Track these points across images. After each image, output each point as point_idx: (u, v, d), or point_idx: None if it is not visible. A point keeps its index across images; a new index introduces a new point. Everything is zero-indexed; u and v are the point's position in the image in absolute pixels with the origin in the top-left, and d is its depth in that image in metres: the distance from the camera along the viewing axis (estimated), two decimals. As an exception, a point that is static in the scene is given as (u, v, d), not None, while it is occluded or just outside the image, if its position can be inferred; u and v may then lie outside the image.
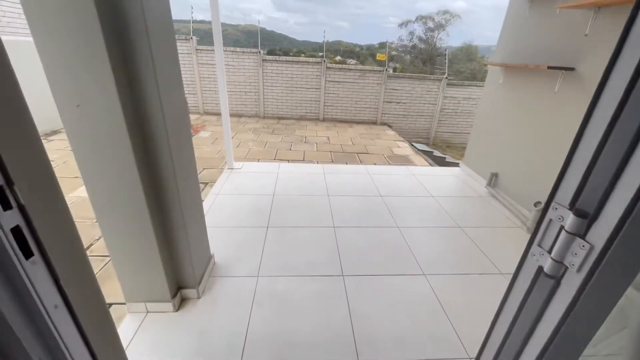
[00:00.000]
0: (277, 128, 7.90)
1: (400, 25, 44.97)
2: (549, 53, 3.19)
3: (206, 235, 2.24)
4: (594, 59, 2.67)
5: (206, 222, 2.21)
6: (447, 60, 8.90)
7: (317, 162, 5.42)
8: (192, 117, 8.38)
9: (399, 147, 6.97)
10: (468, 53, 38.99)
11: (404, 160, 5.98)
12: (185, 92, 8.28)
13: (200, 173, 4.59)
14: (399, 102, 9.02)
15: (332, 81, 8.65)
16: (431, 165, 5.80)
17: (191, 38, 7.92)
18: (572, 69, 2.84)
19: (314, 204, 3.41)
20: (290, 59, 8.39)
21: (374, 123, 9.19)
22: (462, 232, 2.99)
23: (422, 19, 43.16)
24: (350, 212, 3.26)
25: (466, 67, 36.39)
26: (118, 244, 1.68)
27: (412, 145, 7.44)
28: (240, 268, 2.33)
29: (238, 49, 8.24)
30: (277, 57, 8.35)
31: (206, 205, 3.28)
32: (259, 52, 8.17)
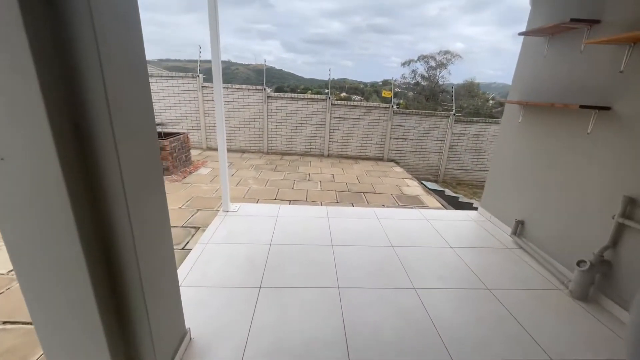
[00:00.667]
0: (280, 164, 7.66)
1: (403, 64, 46.81)
2: (575, 91, 2.90)
3: (180, 308, 1.81)
4: (633, 97, 2.35)
5: (188, 281, 1.80)
6: (453, 97, 8.84)
7: (321, 204, 5.04)
8: (195, 152, 8.24)
9: (408, 185, 6.60)
10: (470, 90, 39.99)
11: (415, 201, 5.56)
12: (190, 128, 8.23)
13: (192, 216, 4.24)
14: (405, 139, 8.82)
15: (338, 117, 8.56)
16: (445, 207, 5.36)
17: (198, 76, 8.02)
18: (607, 108, 2.52)
19: (315, 257, 2.98)
20: (296, 96, 8.40)
21: (381, 159, 8.93)
22: (493, 298, 2.48)
23: (424, 58, 45.01)
24: (358, 268, 2.80)
25: (469, 103, 37.07)
26: (51, 334, 1.27)
27: (422, 183, 7.07)
28: (222, 347, 1.86)
29: (244, 86, 8.30)
30: (282, 94, 8.37)
31: (192, 257, 2.86)
32: (264, 89, 8.21)
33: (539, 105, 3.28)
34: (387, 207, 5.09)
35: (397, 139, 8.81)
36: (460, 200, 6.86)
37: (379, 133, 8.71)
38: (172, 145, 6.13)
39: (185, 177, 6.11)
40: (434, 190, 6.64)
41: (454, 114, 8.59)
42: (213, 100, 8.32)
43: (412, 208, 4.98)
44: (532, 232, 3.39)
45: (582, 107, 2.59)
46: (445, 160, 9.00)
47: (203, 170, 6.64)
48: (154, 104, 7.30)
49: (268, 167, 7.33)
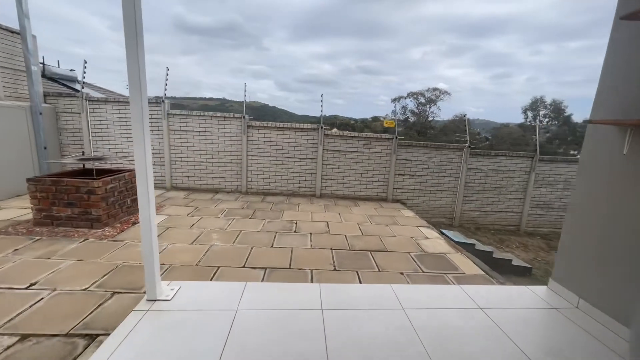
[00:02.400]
0: (260, 209, 6.03)
1: (394, 100, 47.92)
2: None
3: None
4: None
5: None
6: (467, 127, 7.67)
7: (311, 275, 3.36)
8: (156, 193, 6.57)
9: (427, 237, 5.00)
10: (460, 124, 40.24)
11: (444, 265, 3.93)
12: (153, 161, 6.66)
13: (99, 307, 2.54)
14: (413, 175, 7.41)
15: (332, 150, 7.17)
16: (487, 273, 3.74)
17: (162, 101, 6.64)
18: None
19: None
20: (281, 125, 7.04)
21: (384, 200, 7.41)
22: None
23: (413, 94, 46.13)
24: None
25: (459, 137, 37.08)
26: None
27: (442, 233, 5.48)
28: None
29: (219, 114, 6.93)
30: (264, 123, 7.00)
31: None
32: (244, 117, 6.84)
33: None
34: (409, 277, 3.43)
35: (402, 175, 7.39)
36: (495, 256, 5.26)
37: (381, 169, 7.29)
38: (109, 187, 4.50)
39: (123, 230, 4.40)
40: (461, 244, 5.04)
41: (469, 146, 7.31)
42: (181, 130, 6.87)
43: (445, 279, 3.34)
44: None
45: None
46: (461, 200, 7.55)
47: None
48: (102, 133, 5.51)
49: (243, 212, 5.69)
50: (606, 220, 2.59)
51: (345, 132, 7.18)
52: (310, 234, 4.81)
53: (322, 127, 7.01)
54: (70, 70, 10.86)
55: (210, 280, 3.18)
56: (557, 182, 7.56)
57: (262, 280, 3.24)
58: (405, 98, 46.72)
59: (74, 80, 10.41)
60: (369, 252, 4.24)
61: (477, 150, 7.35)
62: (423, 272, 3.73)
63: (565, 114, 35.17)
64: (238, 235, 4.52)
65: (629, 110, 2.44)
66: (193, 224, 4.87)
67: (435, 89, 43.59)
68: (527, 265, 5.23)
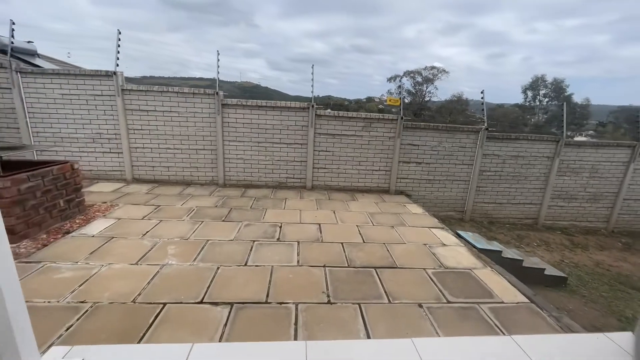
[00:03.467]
0: (238, 206, 4.95)
1: (390, 79, 46.12)
2: None
3: None
4: None
5: None
6: (484, 107, 6.54)
7: (296, 311, 2.34)
8: (110, 187, 5.43)
9: (443, 243, 4.02)
10: (457, 105, 39.02)
11: (473, 289, 2.96)
12: (105, 150, 5.47)
13: None
14: (420, 162, 6.35)
15: (325, 134, 6.03)
16: (536, 304, 2.78)
17: (114, 74, 5.34)
18: None
19: None
20: (263, 104, 5.82)
21: (386, 191, 6.38)
22: None
23: (410, 73, 44.31)
24: None
25: (455, 118, 35.86)
26: None
27: (459, 236, 4.51)
28: None
29: (186, 89, 5.67)
30: (242, 101, 5.77)
31: None
32: (216, 93, 5.59)
33: None
34: (432, 311, 2.44)
35: (408, 162, 6.33)
36: (525, 264, 4.33)
37: (383, 155, 6.21)
38: (25, 186, 3.34)
39: (48, 244, 3.31)
40: (485, 252, 4.07)
41: (486, 129, 6.24)
42: (142, 110, 5.62)
43: (479, 315, 2.35)
44: None
45: None
46: (474, 191, 6.57)
47: (97, 225, 3.84)
48: (42, 114, 4.02)
49: (216, 212, 4.60)
50: None
51: (341, 113, 6.01)
52: (298, 242, 3.78)
53: (313, 106, 5.83)
54: (28, 42, 9.18)
55: (147, 330, 2.14)
56: (582, 169, 6.62)
57: (225, 328, 2.22)
58: (402, 77, 44.93)
59: (33, 54, 8.80)
60: (373, 270, 3.24)
61: (495, 134, 6.29)
62: (448, 302, 2.75)
63: (566, 94, 34.05)
64: (203, 248, 3.46)
65: None
66: (146, 232, 3.78)
67: (432, 67, 41.84)
68: (561, 274, 4.35)
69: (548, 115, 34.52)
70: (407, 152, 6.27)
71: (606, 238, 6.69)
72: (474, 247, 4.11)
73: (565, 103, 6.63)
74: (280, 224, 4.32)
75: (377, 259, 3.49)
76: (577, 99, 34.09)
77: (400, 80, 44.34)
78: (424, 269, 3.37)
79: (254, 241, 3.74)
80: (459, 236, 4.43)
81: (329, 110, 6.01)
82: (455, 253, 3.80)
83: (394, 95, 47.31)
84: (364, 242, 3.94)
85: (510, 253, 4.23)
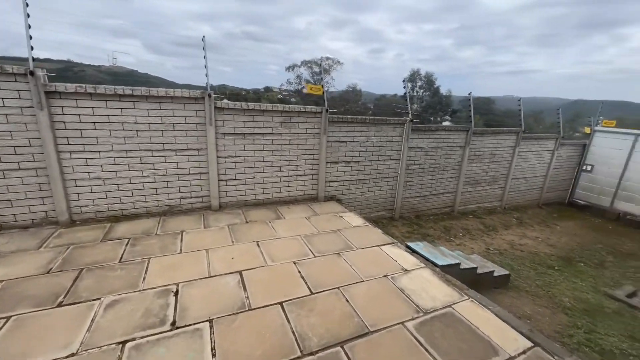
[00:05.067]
0: (93, 264, 2.98)
1: (288, 68, 45.29)
2: None
3: None
4: None
5: None
6: (407, 98, 6.13)
7: None
8: None
9: (404, 268, 3.21)
10: (355, 95, 41.62)
11: (469, 342, 2.16)
12: None
13: None
14: (349, 162, 5.51)
15: (232, 134, 4.45)
16: (547, 351, 2.17)
17: None
18: None
19: None
20: (128, 92, 3.76)
21: (315, 199, 5.32)
22: None
23: (307, 63, 44.53)
24: None
25: (351, 107, 38.18)
26: None
27: (412, 250, 3.83)
28: None
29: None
30: (87, 88, 3.57)
31: None
32: (30, 73, 3.26)
33: None
34: None
35: (336, 163, 5.40)
36: (479, 272, 3.96)
37: (308, 156, 5.08)
38: None
39: None
40: (446, 268, 3.48)
41: (411, 120, 5.85)
42: None
43: None
44: None
45: None
46: (402, 186, 6.20)
47: None
48: None
49: (47, 288, 2.57)
50: None
51: (250, 105, 4.52)
52: (210, 322, 2.29)
53: (210, 96, 4.14)
54: None
55: None
56: (485, 155, 7.12)
57: None
58: (300, 66, 44.80)
59: None
60: (340, 350, 2.10)
61: (418, 126, 5.99)
62: (460, 387, 1.86)
63: (435, 86, 40.49)
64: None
65: None
66: None
67: (328, 58, 43.08)
68: (505, 272, 4.27)
69: (424, 104, 40.40)
70: (335, 150, 5.32)
71: (503, 215, 7.48)
72: (435, 264, 3.47)
73: (470, 93, 6.89)
74: (175, 288, 2.68)
75: (339, 324, 2.36)
76: (443, 90, 40.98)
77: (298, 69, 44.10)
78: (402, 322, 2.43)
79: (123, 343, 2.05)
80: (412, 251, 3.74)
81: (225, 100, 4.40)
82: (422, 282, 3.03)
83: (293, 86, 46.95)
84: (311, 292, 2.74)
85: (466, 262, 3.84)
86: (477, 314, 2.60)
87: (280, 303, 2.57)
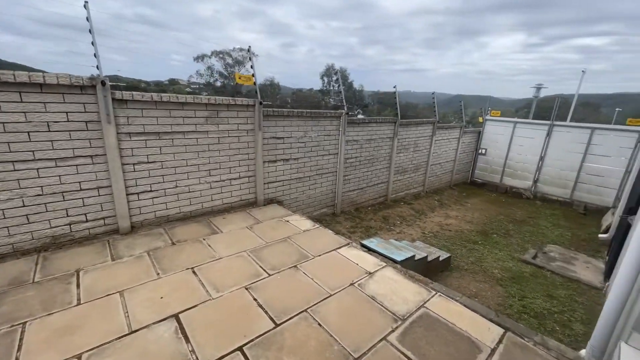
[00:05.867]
0: None
1: (196, 59, 41.19)
2: None
3: None
4: None
5: None
6: (342, 92, 5.94)
7: None
8: None
9: (367, 270, 3.00)
10: (273, 87, 40.65)
11: (452, 343, 2.07)
12: None
13: None
14: (288, 159, 5.04)
15: (142, 133, 3.47)
16: (517, 334, 2.23)
17: None
18: None
19: None
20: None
21: (253, 204, 4.70)
22: None
23: (218, 54, 41.29)
24: None
25: (269, 101, 37.33)
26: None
27: (368, 249, 3.67)
28: None
29: None
30: None
31: None
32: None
33: None
34: None
35: (274, 161, 4.87)
36: (429, 259, 4.06)
37: (243, 156, 4.41)
38: None
39: None
40: (405, 262, 3.42)
41: (347, 113, 5.71)
42: None
43: None
44: None
45: None
46: (342, 181, 6.07)
47: None
48: None
49: None
50: None
51: (164, 96, 3.58)
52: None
53: (104, 83, 3.09)
54: None
55: None
56: (410, 145, 7.61)
57: None
58: (210, 57, 41.28)
59: None
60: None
61: (353, 119, 5.92)
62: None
63: (349, 81, 42.75)
64: None
65: None
66: None
67: (241, 49, 40.81)
68: (447, 255, 4.53)
69: (339, 99, 42.29)
70: (272, 148, 4.78)
71: (427, 199, 8.19)
72: (394, 261, 3.36)
73: (396, 92, 7.17)
74: (76, 364, 1.83)
75: (318, 357, 1.95)
76: (356, 85, 43.64)
77: (208, 60, 40.58)
78: (384, 338, 2.19)
79: None
80: (369, 250, 3.57)
81: (119, 92, 3.40)
82: (389, 283, 2.86)
83: (205, 78, 42.94)
84: (275, 324, 2.25)
85: (418, 253, 3.89)
86: (448, 308, 2.55)
87: (240, 348, 2.01)
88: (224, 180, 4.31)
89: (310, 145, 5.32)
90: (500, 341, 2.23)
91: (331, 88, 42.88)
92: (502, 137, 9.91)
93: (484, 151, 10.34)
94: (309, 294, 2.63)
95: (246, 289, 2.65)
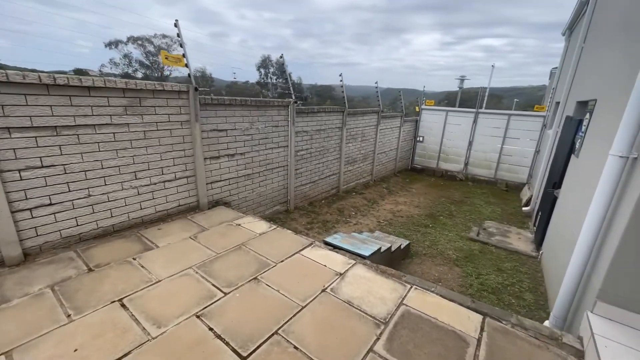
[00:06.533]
0: None
1: (108, 45, 35.70)
2: None
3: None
4: None
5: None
6: (288, 78, 5.44)
7: None
8: None
9: (337, 271, 2.72)
10: (205, 79, 37.59)
11: (443, 341, 1.94)
12: None
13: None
14: (233, 154, 4.45)
15: (28, 128, 2.56)
16: (495, 318, 2.20)
17: None
18: None
19: None
20: None
21: (195, 209, 4.03)
22: None
23: (136, 40, 36.43)
24: None
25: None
26: None
27: (333, 246, 3.40)
28: None
29: None
30: None
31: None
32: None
33: None
34: None
35: (217, 157, 4.23)
36: (393, 249, 3.96)
37: (177, 153, 3.70)
38: None
39: None
40: (373, 256, 3.23)
41: (295, 102, 5.30)
42: None
43: None
44: None
45: None
46: (293, 175, 5.68)
47: None
48: None
49: None
50: None
51: (61, 79, 2.70)
52: None
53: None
54: None
55: None
56: (358, 135, 7.56)
57: None
58: (126, 44, 36.23)
59: None
60: None
61: (301, 108, 5.52)
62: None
63: (288, 72, 41.96)
64: None
65: None
66: None
67: (165, 36, 36.72)
68: (406, 242, 4.52)
69: (278, 91, 41.34)
70: (214, 142, 4.14)
71: (376, 187, 8.33)
72: (362, 256, 3.15)
73: (343, 84, 6.96)
74: None
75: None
76: (294, 77, 43.00)
77: (124, 47, 35.56)
78: (371, 349, 1.93)
79: None
80: (334, 247, 3.30)
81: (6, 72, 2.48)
82: (363, 283, 2.63)
83: (121, 68, 37.42)
84: (242, 357, 1.81)
85: (382, 245, 3.75)
86: (426, 302, 2.42)
87: (198, 403, 1.53)
88: (155, 184, 3.56)
89: (258, 137, 4.80)
90: (482, 329, 2.16)
91: (269, 80, 41.55)
92: (437, 125, 10.64)
93: (421, 138, 11.00)
94: (277, 310, 2.24)
95: (198, 317, 2.12)
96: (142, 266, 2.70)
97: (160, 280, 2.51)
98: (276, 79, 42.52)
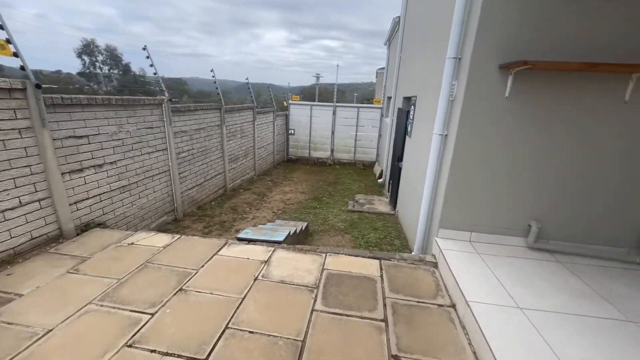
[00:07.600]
0: None
1: None
2: (606, 48, 2.39)
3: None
4: None
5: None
6: (158, 75, 4.64)
7: None
8: None
9: (255, 259, 2.93)
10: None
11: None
12: None
13: None
14: (101, 164, 3.65)
15: None
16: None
17: None
18: None
19: None
20: None
21: (58, 237, 3.16)
22: None
23: None
24: None
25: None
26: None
27: (248, 240, 3.51)
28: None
29: None
30: None
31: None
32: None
33: (562, 67, 2.41)
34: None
35: (80, 170, 3.40)
36: (298, 231, 4.34)
37: (16, 171, 2.77)
38: None
39: None
40: (287, 241, 3.54)
41: (170, 100, 4.75)
42: None
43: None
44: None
45: None
46: (178, 179, 5.15)
47: None
48: None
49: None
50: (493, 158, 2.84)
51: None
52: None
53: None
54: None
55: None
56: (237, 131, 7.48)
57: None
58: None
59: None
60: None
61: (177, 106, 5.00)
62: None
63: (124, 62, 34.74)
64: None
65: (520, 52, 2.55)
66: None
67: None
68: (304, 223, 4.98)
69: (116, 85, 33.83)
70: (73, 152, 3.31)
71: (261, 182, 8.58)
72: (279, 242, 3.43)
73: (214, 75, 6.65)
74: None
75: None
76: (135, 67, 36.24)
77: None
78: (313, 309, 2.31)
79: None
80: (249, 241, 3.43)
81: None
82: (287, 263, 2.95)
83: None
84: (202, 361, 1.81)
85: (290, 229, 4.05)
86: (341, 262, 2.99)
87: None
88: (-11, 216, 2.60)
89: (130, 142, 4.13)
90: (381, 269, 2.91)
91: (98, 71, 33.30)
92: (304, 118, 11.80)
93: (293, 131, 11.93)
94: (219, 309, 2.26)
95: (129, 346, 1.89)
96: (9, 323, 2.04)
97: (51, 329, 2.00)
98: (109, 70, 34.61)
